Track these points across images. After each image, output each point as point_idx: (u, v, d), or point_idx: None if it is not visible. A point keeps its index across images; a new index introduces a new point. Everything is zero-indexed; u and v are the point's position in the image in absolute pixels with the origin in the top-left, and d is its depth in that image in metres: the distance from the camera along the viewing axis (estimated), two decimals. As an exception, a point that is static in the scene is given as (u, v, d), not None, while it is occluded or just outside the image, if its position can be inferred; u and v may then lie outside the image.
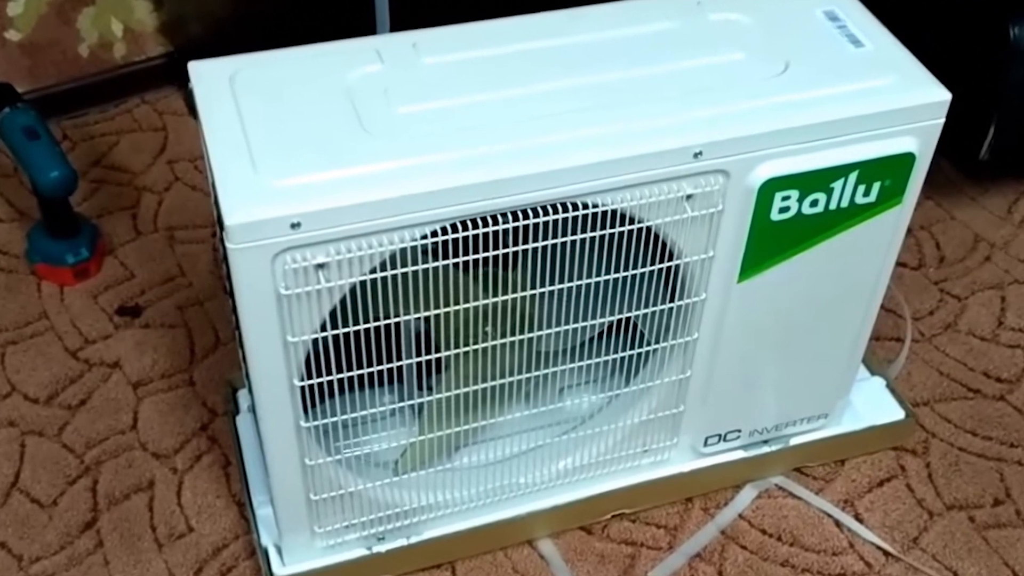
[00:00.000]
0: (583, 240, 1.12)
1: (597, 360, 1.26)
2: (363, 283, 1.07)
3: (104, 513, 1.43)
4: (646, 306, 1.22)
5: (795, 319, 1.29)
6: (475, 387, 1.22)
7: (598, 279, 1.17)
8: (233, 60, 1.16)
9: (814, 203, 1.17)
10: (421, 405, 1.24)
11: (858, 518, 1.44)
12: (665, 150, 1.09)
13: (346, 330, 1.10)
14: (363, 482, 1.25)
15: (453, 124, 1.09)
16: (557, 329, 1.21)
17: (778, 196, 1.15)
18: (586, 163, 1.07)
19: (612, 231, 1.12)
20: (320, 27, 1.51)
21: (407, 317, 1.13)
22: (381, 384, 1.18)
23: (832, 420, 1.45)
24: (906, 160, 1.17)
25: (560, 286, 1.16)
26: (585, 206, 1.09)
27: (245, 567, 1.38)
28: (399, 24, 1.47)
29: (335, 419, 1.17)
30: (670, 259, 1.18)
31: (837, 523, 1.43)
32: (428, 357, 1.18)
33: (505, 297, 1.16)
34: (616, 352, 1.27)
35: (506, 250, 1.09)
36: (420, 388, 1.25)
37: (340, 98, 1.11)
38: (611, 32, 1.21)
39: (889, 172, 1.18)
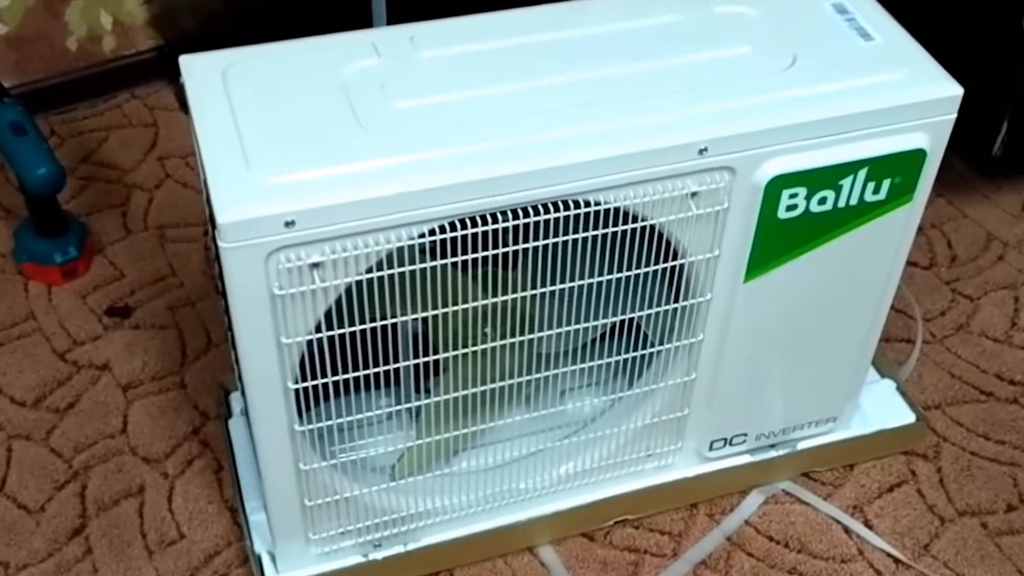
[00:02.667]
0: (585, 239, 1.11)
1: (599, 362, 1.25)
2: (359, 283, 1.06)
3: (93, 519, 1.42)
4: (650, 307, 1.21)
5: (803, 320, 1.28)
6: (474, 390, 1.22)
7: (600, 279, 1.16)
8: (226, 54, 1.15)
9: (822, 201, 1.16)
10: (419, 408, 1.24)
11: (867, 524, 1.43)
12: (669, 146, 1.08)
13: (342, 331, 1.09)
14: (359, 487, 1.24)
15: (451, 120, 1.08)
16: (558, 330, 1.21)
17: (785, 194, 1.14)
18: (588, 160, 1.06)
19: (615, 230, 1.12)
20: (315, 20, 1.50)
21: (404, 318, 1.12)
22: (378, 387, 1.17)
23: (841, 424, 1.44)
24: (917, 157, 1.17)
25: (561, 286, 1.16)
26: (587, 204, 1.08)
27: (238, 575, 1.37)
28: (396, 17, 1.48)
29: (330, 423, 1.17)
30: (674, 258, 1.17)
31: (846, 529, 1.43)
32: (426, 359, 1.17)
33: (505, 297, 1.16)
34: (619, 354, 1.27)
35: (506, 249, 1.08)
36: (418, 391, 1.25)
37: (335, 93, 1.10)
38: (613, 25, 1.21)
39: (899, 169, 1.17)
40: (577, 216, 1.08)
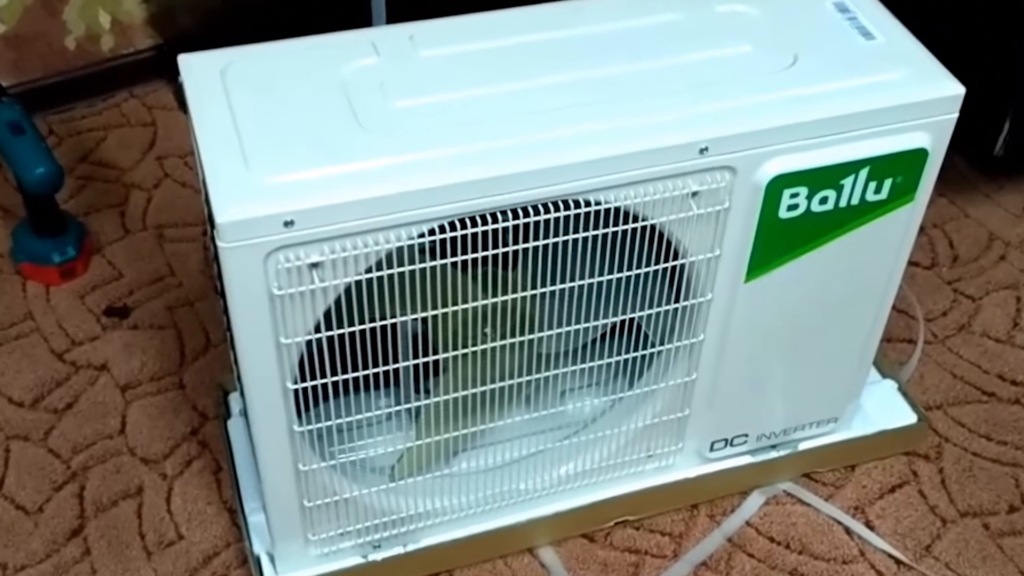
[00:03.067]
0: (585, 239, 1.11)
1: (600, 362, 1.25)
2: (358, 283, 1.06)
3: (91, 520, 1.42)
4: (650, 307, 1.21)
5: (804, 320, 1.28)
6: (474, 390, 1.21)
7: (601, 279, 1.16)
8: (224, 53, 1.15)
9: (823, 200, 1.16)
10: (418, 409, 1.23)
11: (869, 525, 1.42)
12: (670, 146, 1.08)
13: (341, 331, 1.08)
14: (358, 488, 1.23)
15: (451, 119, 1.08)
16: (559, 330, 1.20)
17: (786, 193, 1.14)
18: (588, 159, 1.06)
19: (615, 229, 1.11)
20: (314, 19, 1.50)
21: (404, 318, 1.11)
22: (377, 387, 1.16)
23: (842, 424, 1.44)
24: (918, 156, 1.16)
25: (562, 286, 1.15)
26: (587, 203, 1.08)
27: (237, 576, 1.36)
28: (395, 16, 1.47)
29: (330, 423, 1.16)
30: (675, 258, 1.17)
31: (847, 530, 1.42)
32: (426, 359, 1.17)
33: (505, 297, 1.15)
34: (619, 354, 1.26)
35: (506, 249, 1.08)
36: (417, 391, 1.24)
37: (335, 92, 1.10)
38: (614, 24, 1.20)
39: (901, 169, 1.16)
40: (577, 216, 1.07)
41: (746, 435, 1.38)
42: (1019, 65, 1.68)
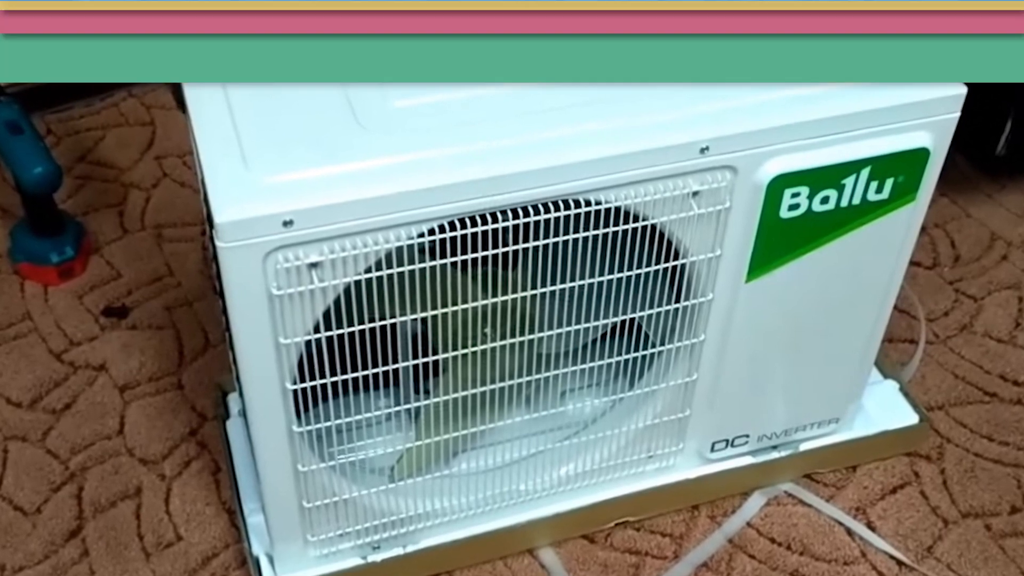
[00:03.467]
0: (585, 238, 1.10)
1: (600, 363, 1.24)
2: (358, 283, 1.05)
3: (90, 521, 1.41)
4: (651, 307, 1.20)
5: (805, 320, 1.27)
6: (474, 390, 1.21)
7: (601, 279, 1.15)
8: (222, 51, 1.13)
9: (825, 200, 1.15)
10: (418, 409, 1.23)
11: (870, 526, 1.42)
12: (670, 145, 1.07)
13: (340, 331, 1.08)
14: (358, 489, 1.23)
15: (451, 118, 1.07)
16: (559, 331, 1.20)
17: (787, 193, 1.13)
18: (589, 159, 1.05)
19: (615, 229, 1.11)
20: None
21: (403, 318, 1.11)
22: (377, 387, 1.16)
23: (843, 425, 1.43)
24: (920, 156, 1.16)
25: (562, 286, 1.15)
26: (587, 203, 1.07)
27: (235, 577, 1.36)
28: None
29: (329, 424, 1.16)
30: (675, 258, 1.16)
31: (849, 531, 1.41)
32: (425, 359, 1.16)
33: (505, 297, 1.15)
34: (620, 354, 1.26)
35: (506, 249, 1.07)
36: (417, 392, 1.24)
37: (334, 91, 1.09)
38: (614, 23, 1.19)
39: (902, 168, 1.16)
40: (577, 216, 1.07)
41: (747, 436, 1.38)
42: (1021, 64, 1.67)
